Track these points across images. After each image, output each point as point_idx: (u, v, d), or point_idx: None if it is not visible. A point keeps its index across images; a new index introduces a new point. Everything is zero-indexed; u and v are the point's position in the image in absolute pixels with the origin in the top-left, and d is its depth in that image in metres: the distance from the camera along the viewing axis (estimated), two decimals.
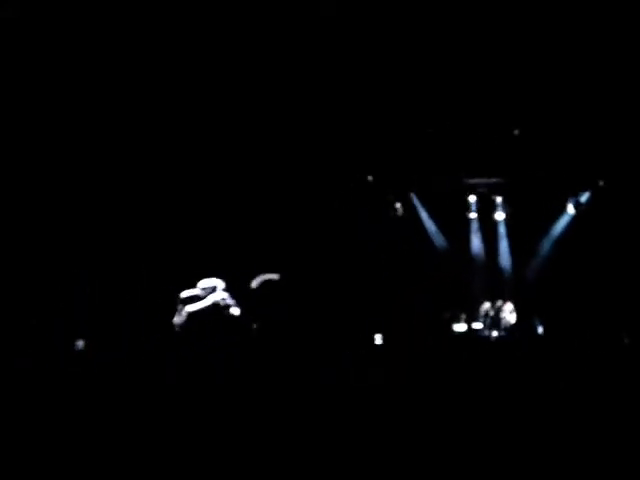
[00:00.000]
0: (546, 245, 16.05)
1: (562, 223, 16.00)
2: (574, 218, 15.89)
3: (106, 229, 13.13)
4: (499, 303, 15.13)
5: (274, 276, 11.57)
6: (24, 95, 10.78)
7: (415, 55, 11.93)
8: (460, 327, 14.80)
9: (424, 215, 16.40)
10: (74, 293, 12.68)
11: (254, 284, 11.66)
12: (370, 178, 15.56)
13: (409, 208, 16.37)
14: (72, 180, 12.64)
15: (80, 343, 11.35)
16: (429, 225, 16.40)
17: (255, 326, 10.48)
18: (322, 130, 13.67)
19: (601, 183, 15.52)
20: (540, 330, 14.36)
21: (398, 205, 16.24)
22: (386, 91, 13.11)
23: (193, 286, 9.42)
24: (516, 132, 14.44)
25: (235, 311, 9.38)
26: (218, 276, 9.43)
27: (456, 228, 16.27)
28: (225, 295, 9.24)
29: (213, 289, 9.23)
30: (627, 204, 14.65)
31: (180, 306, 9.21)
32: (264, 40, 10.53)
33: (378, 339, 13.40)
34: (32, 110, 11.16)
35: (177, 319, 9.19)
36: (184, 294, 9.31)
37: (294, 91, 12.28)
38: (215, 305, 9.00)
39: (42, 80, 10.63)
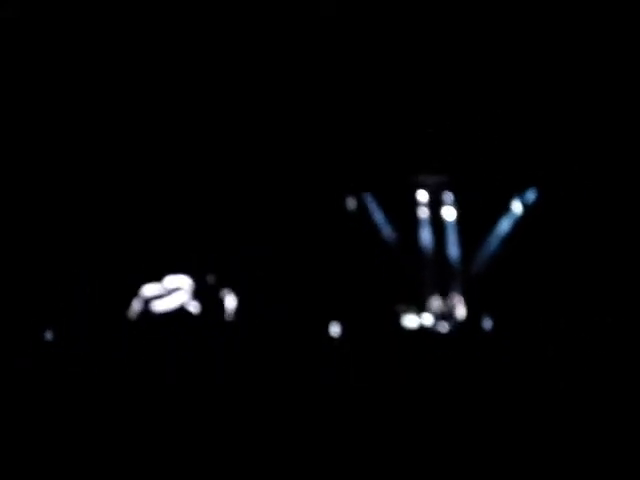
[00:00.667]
0: (493, 241, 16.33)
1: (509, 220, 16.28)
2: (521, 215, 16.18)
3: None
4: (449, 298, 15.39)
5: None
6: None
7: (371, 56, 12.00)
8: (411, 322, 14.99)
9: (376, 212, 16.55)
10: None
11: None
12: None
13: (361, 205, 16.51)
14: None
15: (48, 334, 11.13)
16: (380, 222, 16.57)
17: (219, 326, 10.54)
18: (278, 128, 13.71)
19: (547, 181, 15.80)
20: (489, 325, 14.65)
21: (351, 202, 16.38)
22: (339, 90, 13.18)
23: (158, 281, 9.26)
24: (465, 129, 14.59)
25: (198, 310, 9.27)
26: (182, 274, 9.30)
27: (407, 225, 16.46)
28: (189, 295, 9.12)
29: (179, 287, 9.08)
30: (573, 202, 14.93)
31: (139, 302, 9.01)
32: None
33: (334, 333, 13.51)
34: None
35: (134, 314, 9.00)
36: (147, 290, 9.11)
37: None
38: (180, 304, 8.87)
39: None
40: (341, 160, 15.30)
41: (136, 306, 9.19)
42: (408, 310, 15.31)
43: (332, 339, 13.53)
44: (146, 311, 9.02)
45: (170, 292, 9.12)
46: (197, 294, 9.26)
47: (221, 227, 14.16)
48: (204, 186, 14.00)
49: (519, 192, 16.28)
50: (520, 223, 16.17)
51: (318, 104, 13.28)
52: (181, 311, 8.89)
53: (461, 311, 15.18)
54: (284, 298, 14.33)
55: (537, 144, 14.66)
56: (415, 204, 16.67)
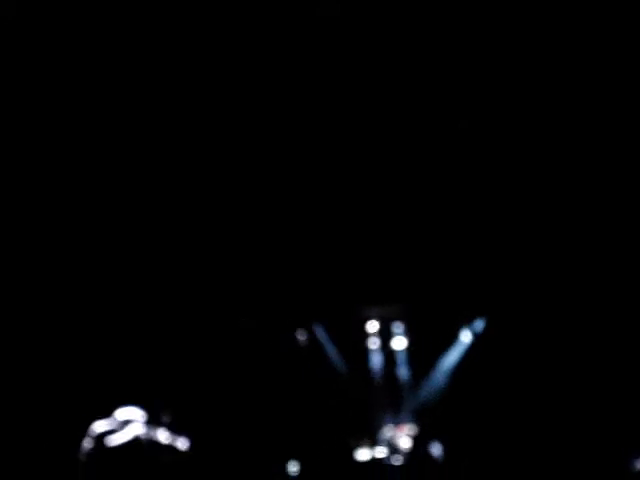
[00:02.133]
0: (443, 371, 16.41)
1: (457, 350, 16.42)
2: (469, 345, 16.34)
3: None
4: (396, 428, 15.33)
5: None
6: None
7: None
8: (363, 454, 14.86)
9: (326, 344, 16.58)
10: None
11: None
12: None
13: (312, 338, 16.54)
14: None
15: None
16: (332, 354, 16.58)
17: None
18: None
19: (494, 313, 16.04)
20: (438, 453, 14.56)
21: (300, 335, 16.42)
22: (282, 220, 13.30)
23: (108, 416, 9.01)
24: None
25: (158, 443, 9.04)
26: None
27: (357, 355, 16.50)
28: (145, 428, 8.89)
29: (130, 420, 8.84)
30: (521, 332, 15.14)
31: (90, 439, 8.73)
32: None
33: (292, 468, 13.31)
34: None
35: (86, 452, 8.73)
36: (97, 426, 8.85)
37: None
38: (135, 439, 8.64)
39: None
40: (293, 294, 15.46)
41: (87, 444, 8.90)
42: (360, 443, 15.18)
43: (294, 474, 13.32)
44: (98, 448, 8.77)
45: (122, 425, 8.89)
46: (150, 426, 9.07)
47: (174, 359, 14.07)
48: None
49: (468, 322, 16.47)
50: (469, 352, 16.30)
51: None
52: (135, 443, 8.67)
53: (407, 442, 15.08)
54: (242, 433, 14.16)
55: (487, 275, 14.90)
56: (365, 335, 16.76)
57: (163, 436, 8.72)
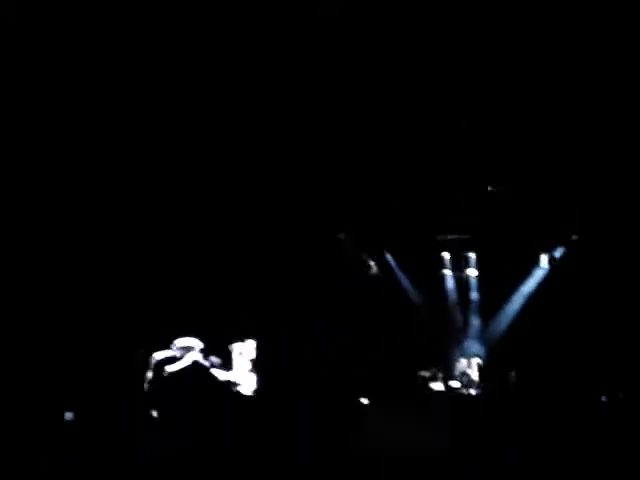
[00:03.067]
0: (519, 300, 16.02)
1: (536, 278, 15.98)
2: (548, 273, 15.89)
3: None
4: (472, 360, 15.10)
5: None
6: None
7: (385, 111, 11.97)
8: (437, 385, 14.65)
9: (399, 273, 16.34)
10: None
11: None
12: (342, 236, 15.51)
13: (383, 266, 16.32)
14: None
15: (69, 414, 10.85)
16: (404, 283, 16.34)
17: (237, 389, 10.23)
18: (295, 186, 13.69)
19: (575, 238, 15.55)
20: (514, 386, 14.31)
21: (372, 263, 16.20)
22: (357, 149, 13.13)
23: (168, 346, 9.01)
24: (490, 188, 14.44)
25: (216, 372, 9.03)
26: (195, 335, 9.07)
27: (431, 285, 16.23)
28: (202, 356, 8.89)
29: (189, 349, 8.83)
30: (601, 259, 14.69)
31: (153, 367, 8.75)
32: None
33: (364, 400, 13.19)
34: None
35: (149, 381, 8.74)
36: (158, 355, 8.85)
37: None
38: (194, 365, 8.62)
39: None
40: (364, 222, 15.27)
41: (149, 373, 8.93)
42: (434, 374, 14.95)
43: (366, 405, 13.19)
44: (158, 376, 8.78)
45: (181, 354, 8.88)
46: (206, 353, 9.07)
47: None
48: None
49: (546, 250, 16.02)
50: (547, 282, 15.87)
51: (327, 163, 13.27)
52: (192, 368, 8.66)
53: (484, 373, 14.83)
54: (311, 364, 14.09)
55: (564, 203, 14.49)
56: (440, 265, 16.49)
57: (217, 362, 8.62)
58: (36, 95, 10.75)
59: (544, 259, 15.91)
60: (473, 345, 16.17)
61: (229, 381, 9.67)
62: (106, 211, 13.05)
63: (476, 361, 15.20)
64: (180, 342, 8.90)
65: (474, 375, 14.91)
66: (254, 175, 13.30)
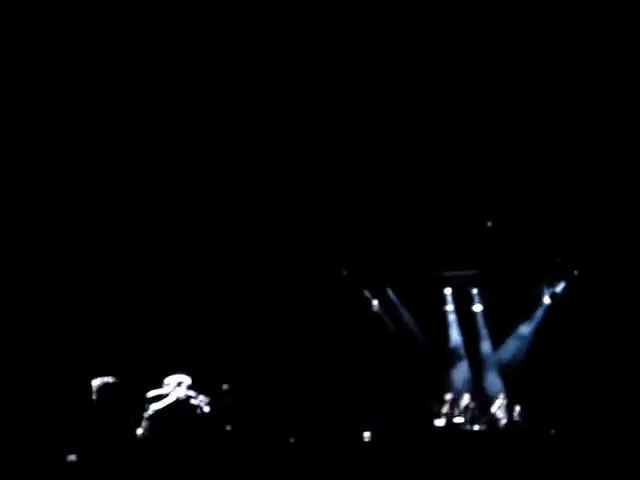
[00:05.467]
0: (524, 335, 16.02)
1: (539, 313, 15.98)
2: (550, 307, 15.89)
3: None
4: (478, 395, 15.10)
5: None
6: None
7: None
8: (440, 422, 14.61)
9: (402, 310, 16.37)
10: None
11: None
12: (345, 273, 15.58)
13: (386, 303, 16.36)
14: None
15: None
16: (407, 319, 16.36)
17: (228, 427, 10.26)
18: (296, 224, 13.78)
19: (576, 273, 15.57)
20: (523, 421, 14.25)
21: (374, 301, 16.27)
22: (357, 186, 13.18)
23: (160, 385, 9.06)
24: (489, 224, 14.48)
25: (204, 408, 9.08)
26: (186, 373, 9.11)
27: (433, 321, 16.24)
28: (191, 392, 8.92)
29: (178, 384, 8.87)
30: (602, 293, 14.65)
31: (147, 407, 8.80)
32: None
33: (366, 436, 13.18)
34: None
35: (144, 423, 8.77)
36: (150, 394, 8.89)
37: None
38: (180, 401, 8.66)
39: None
40: (366, 259, 15.31)
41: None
42: (438, 410, 14.93)
43: (369, 441, 13.15)
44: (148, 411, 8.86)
45: (169, 391, 8.94)
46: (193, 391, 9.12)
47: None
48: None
49: (548, 285, 16.04)
50: (550, 316, 15.86)
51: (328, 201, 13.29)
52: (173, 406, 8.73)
53: (500, 411, 14.79)
54: (314, 401, 14.10)
55: (566, 238, 14.49)
56: (443, 301, 16.51)
57: (202, 400, 8.66)
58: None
59: (546, 293, 15.95)
60: (478, 381, 16.16)
61: (216, 418, 9.71)
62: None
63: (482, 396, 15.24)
64: (169, 379, 8.96)
65: (481, 411, 14.91)
66: (252, 195, 13.21)
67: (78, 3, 9.35)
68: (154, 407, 8.61)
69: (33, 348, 11.96)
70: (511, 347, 16.12)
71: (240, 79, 10.78)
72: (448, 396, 15.11)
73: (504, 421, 14.59)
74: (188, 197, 13.07)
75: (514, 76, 10.83)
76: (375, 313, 16.25)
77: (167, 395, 8.79)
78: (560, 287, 15.86)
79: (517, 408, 14.53)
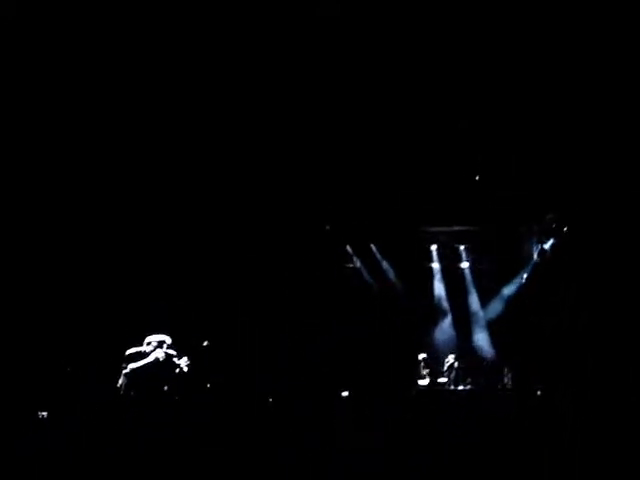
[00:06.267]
0: (510, 293, 15.77)
1: (526, 271, 15.72)
2: (538, 265, 15.63)
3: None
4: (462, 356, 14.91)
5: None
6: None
7: (373, 98, 11.83)
8: (424, 381, 14.40)
9: (385, 266, 16.05)
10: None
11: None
12: (328, 227, 15.28)
13: (369, 259, 16.04)
14: None
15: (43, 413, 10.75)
16: (390, 276, 16.04)
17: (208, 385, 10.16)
18: (282, 178, 13.52)
19: (565, 229, 15.29)
20: (507, 380, 14.09)
21: (355, 257, 15.97)
22: (344, 139, 12.93)
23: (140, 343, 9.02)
24: (477, 178, 14.19)
25: (184, 367, 9.02)
26: (166, 332, 9.09)
27: (418, 278, 15.95)
28: (172, 351, 8.88)
29: (159, 344, 8.84)
30: (593, 250, 14.41)
31: (125, 364, 8.81)
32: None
33: (344, 393, 12.98)
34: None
35: (122, 379, 8.77)
36: (130, 351, 8.89)
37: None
38: (160, 361, 8.61)
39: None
40: (350, 213, 15.05)
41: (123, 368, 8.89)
42: (422, 371, 14.71)
43: (347, 398, 12.96)
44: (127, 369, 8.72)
45: (150, 350, 8.83)
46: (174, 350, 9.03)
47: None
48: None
49: (537, 242, 15.78)
50: (537, 275, 15.61)
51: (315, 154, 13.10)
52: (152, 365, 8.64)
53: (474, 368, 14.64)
54: (293, 358, 13.90)
55: (555, 193, 14.25)
56: (428, 258, 16.21)
57: (185, 360, 8.48)
58: (36, 95, 10.72)
59: (535, 251, 15.69)
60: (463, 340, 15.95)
61: (195, 376, 9.65)
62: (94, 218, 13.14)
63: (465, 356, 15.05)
64: (151, 338, 8.95)
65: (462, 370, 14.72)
66: (240, 164, 13.15)
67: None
68: (132, 366, 8.57)
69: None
70: (498, 305, 15.87)
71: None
72: (421, 356, 14.85)
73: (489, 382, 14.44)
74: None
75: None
76: (356, 269, 15.93)
77: (147, 354, 8.73)
78: (549, 244, 15.57)
79: (505, 369, 14.35)
